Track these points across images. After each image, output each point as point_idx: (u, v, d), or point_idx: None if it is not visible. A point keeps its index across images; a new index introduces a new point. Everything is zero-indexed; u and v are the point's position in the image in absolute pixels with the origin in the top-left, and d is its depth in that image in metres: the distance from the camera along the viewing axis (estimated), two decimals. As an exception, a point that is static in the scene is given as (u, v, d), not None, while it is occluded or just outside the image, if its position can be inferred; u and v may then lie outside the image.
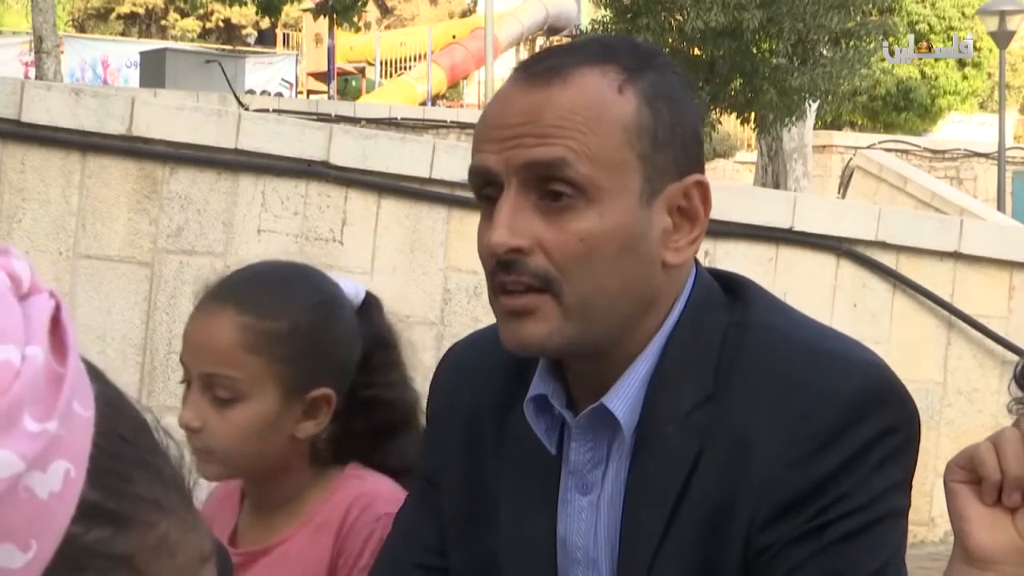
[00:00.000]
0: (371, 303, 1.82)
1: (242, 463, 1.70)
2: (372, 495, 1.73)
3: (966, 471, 1.16)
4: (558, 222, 1.25)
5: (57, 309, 0.57)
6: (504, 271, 1.26)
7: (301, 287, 1.73)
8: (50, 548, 0.54)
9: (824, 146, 18.36)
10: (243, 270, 1.75)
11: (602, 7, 13.96)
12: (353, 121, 14.80)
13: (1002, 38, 17.46)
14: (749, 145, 21.42)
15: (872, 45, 13.35)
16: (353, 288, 1.79)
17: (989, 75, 27.41)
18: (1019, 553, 1.14)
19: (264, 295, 1.69)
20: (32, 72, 17.00)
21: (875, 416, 1.25)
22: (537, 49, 27.93)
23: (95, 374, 0.60)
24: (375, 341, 1.78)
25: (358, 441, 1.76)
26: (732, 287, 1.37)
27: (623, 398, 1.30)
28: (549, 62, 1.29)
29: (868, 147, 18.28)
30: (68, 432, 0.55)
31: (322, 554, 1.72)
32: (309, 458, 1.75)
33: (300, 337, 1.68)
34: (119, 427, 0.60)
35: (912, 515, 1.30)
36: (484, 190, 1.29)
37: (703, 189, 1.31)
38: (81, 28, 33.10)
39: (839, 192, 16.34)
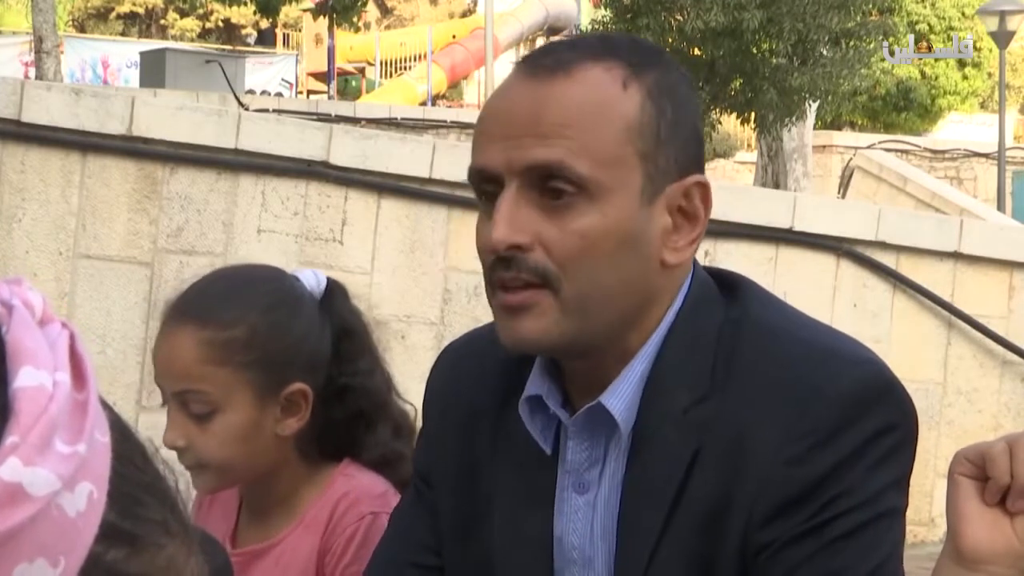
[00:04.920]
0: (334, 291, 1.83)
1: (235, 471, 1.72)
2: (358, 493, 1.75)
3: (975, 466, 1.15)
4: (559, 219, 1.25)
5: (72, 339, 0.60)
6: (503, 267, 1.26)
7: (254, 291, 1.75)
8: (76, 565, 0.57)
9: (824, 146, 18.36)
10: (198, 283, 1.77)
11: (602, 7, 13.97)
12: (353, 121, 14.80)
13: (1002, 38, 17.46)
14: (749, 145, 21.41)
15: (872, 45, 13.36)
16: (314, 279, 1.81)
17: (989, 75, 27.40)
18: (1013, 556, 1.14)
19: (219, 306, 1.71)
20: (32, 72, 17.00)
21: (872, 414, 1.25)
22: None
23: (103, 403, 0.63)
24: (341, 330, 1.79)
25: (339, 433, 1.78)
26: (728, 285, 1.37)
27: (620, 397, 1.30)
28: (552, 56, 1.28)
29: (868, 147, 18.28)
30: (92, 456, 0.58)
31: (310, 552, 1.74)
32: (299, 456, 1.77)
33: (260, 340, 1.70)
34: (130, 453, 0.63)
35: (912, 515, 1.30)
36: (484, 187, 1.29)
37: (704, 189, 1.31)
38: (81, 28, 33.10)
39: (839, 192, 16.34)
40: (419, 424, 1.89)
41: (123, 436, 0.63)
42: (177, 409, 1.70)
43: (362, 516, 1.72)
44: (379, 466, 1.80)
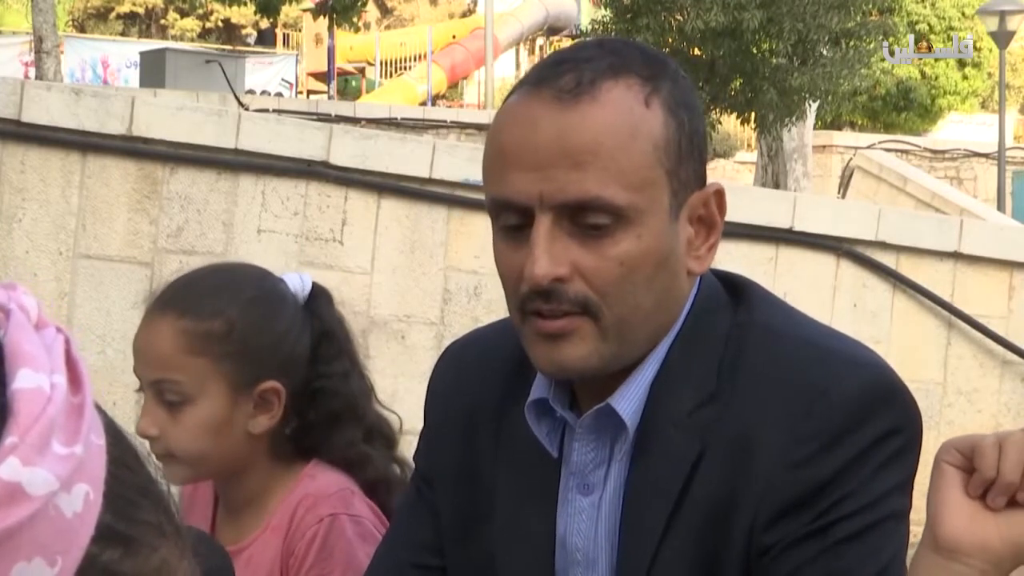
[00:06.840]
0: (318, 295, 1.85)
1: (204, 463, 1.74)
2: (318, 495, 1.76)
3: (963, 457, 1.16)
4: (596, 247, 1.24)
5: (67, 343, 0.61)
6: (542, 299, 1.24)
7: (236, 286, 1.77)
8: (72, 565, 0.58)
9: (824, 146, 18.36)
10: (183, 276, 1.80)
11: (602, 7, 13.97)
12: (353, 121, 14.80)
13: (1002, 38, 17.46)
14: (749, 145, 21.42)
15: (872, 45, 13.37)
16: (299, 282, 1.83)
17: (989, 75, 27.40)
18: (989, 552, 1.14)
19: (200, 298, 1.74)
20: (32, 72, 17.00)
21: (878, 417, 1.25)
22: (537, 49, 27.93)
23: (98, 407, 0.63)
24: (321, 333, 1.81)
25: (311, 434, 1.80)
26: (735, 288, 1.37)
27: (630, 399, 1.31)
28: (570, 76, 1.24)
29: (868, 147, 18.28)
30: (88, 458, 0.59)
31: (274, 555, 1.76)
32: (270, 455, 1.78)
33: (238, 334, 1.72)
34: (124, 456, 0.64)
35: (913, 515, 1.30)
36: (508, 215, 1.26)
37: (719, 196, 1.32)
38: (81, 28, 33.09)
39: (839, 192, 16.34)
40: (402, 434, 1.92)
41: (116, 439, 0.64)
42: (152, 398, 1.73)
43: (321, 518, 1.73)
44: (346, 467, 1.81)
